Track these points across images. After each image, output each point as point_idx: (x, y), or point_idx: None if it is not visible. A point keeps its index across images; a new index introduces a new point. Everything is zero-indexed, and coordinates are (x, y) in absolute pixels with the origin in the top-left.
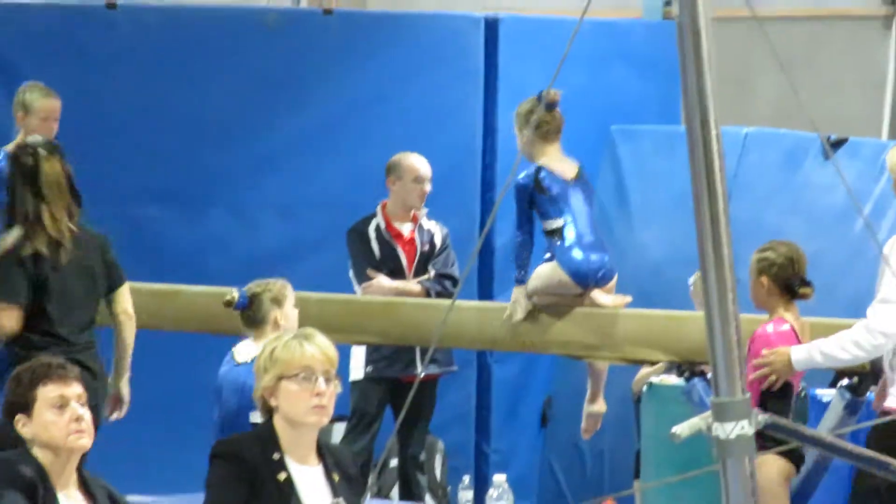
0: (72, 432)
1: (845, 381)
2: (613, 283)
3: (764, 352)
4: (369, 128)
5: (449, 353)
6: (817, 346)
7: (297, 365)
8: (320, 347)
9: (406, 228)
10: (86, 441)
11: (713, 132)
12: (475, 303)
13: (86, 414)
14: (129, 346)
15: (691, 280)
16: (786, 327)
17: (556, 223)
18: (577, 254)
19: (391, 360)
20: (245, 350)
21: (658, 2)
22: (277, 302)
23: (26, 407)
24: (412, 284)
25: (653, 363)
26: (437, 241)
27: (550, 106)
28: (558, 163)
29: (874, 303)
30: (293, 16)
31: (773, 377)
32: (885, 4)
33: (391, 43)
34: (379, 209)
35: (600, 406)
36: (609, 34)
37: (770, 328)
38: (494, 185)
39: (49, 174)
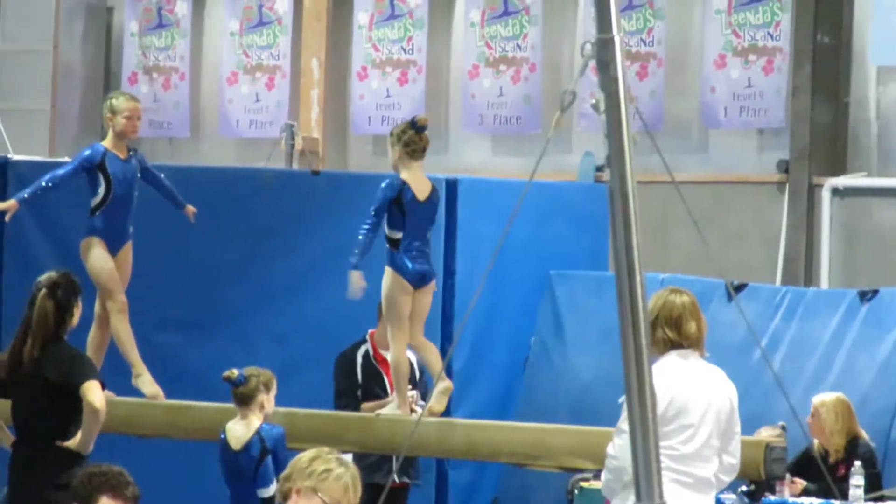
0: None
1: (744, 488)
2: (432, 285)
3: None
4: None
5: (418, 468)
6: None
7: (335, 497)
8: (358, 493)
9: (389, 355)
10: None
11: (637, 278)
12: (435, 419)
13: None
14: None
15: (621, 399)
16: None
17: (397, 234)
18: (408, 262)
19: (375, 467)
20: (237, 433)
21: (591, 167)
22: (266, 387)
23: (86, 501)
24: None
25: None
26: (416, 367)
27: (420, 129)
28: (417, 181)
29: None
30: (287, 176)
31: None
32: (779, 172)
33: (369, 199)
34: (368, 337)
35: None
36: (549, 194)
37: None
38: (453, 318)
39: (37, 310)
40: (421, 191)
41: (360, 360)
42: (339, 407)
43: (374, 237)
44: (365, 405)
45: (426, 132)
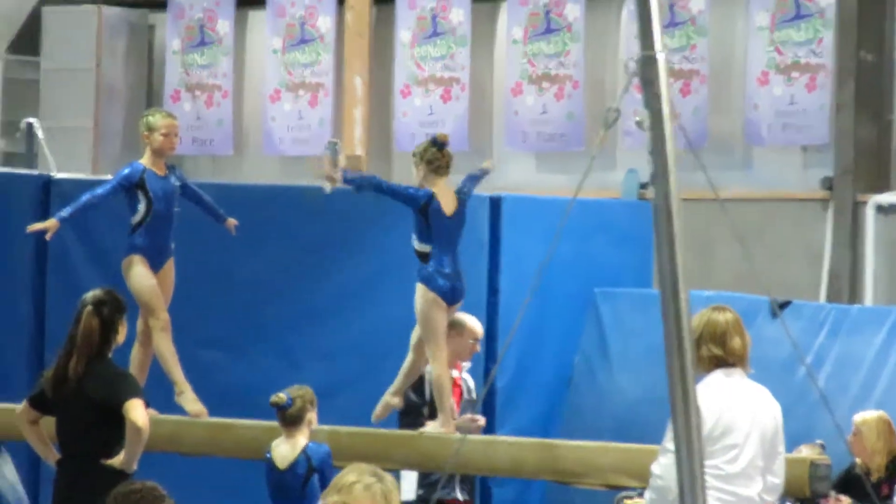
0: None
1: None
2: (460, 304)
3: None
4: (396, 286)
5: (473, 488)
6: None
7: None
8: None
9: (455, 373)
10: None
11: (682, 296)
12: (480, 437)
13: None
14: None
15: None
16: None
17: (425, 247)
18: (439, 279)
19: (437, 485)
20: (283, 452)
21: (634, 185)
22: (312, 404)
23: None
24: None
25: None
26: (473, 391)
27: (441, 145)
28: (444, 196)
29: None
30: (331, 192)
31: None
32: (823, 189)
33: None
34: None
35: (398, 402)
36: (593, 211)
37: None
38: (497, 336)
39: (82, 327)
40: (447, 205)
41: (428, 377)
42: (405, 424)
43: (370, 192)
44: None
45: (448, 148)
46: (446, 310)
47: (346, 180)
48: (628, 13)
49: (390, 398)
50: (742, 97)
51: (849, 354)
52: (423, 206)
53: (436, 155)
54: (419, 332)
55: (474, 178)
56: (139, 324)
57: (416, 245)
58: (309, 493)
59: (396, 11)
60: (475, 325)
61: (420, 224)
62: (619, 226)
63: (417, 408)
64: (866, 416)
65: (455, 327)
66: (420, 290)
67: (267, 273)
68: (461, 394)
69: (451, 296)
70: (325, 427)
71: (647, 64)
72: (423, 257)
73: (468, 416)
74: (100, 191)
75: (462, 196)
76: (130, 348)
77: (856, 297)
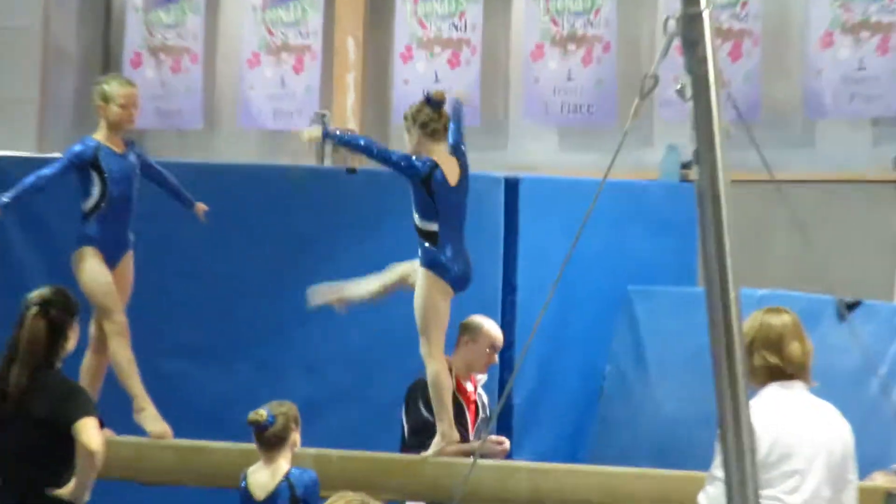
0: None
1: None
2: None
3: None
4: None
5: None
6: None
7: None
8: None
9: (469, 387)
10: None
11: (731, 295)
12: (493, 462)
13: None
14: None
15: None
16: None
17: (431, 226)
18: (450, 264)
19: None
20: (261, 479)
21: (675, 164)
22: (296, 423)
23: None
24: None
25: None
26: (488, 408)
27: (437, 104)
28: (445, 164)
29: None
30: (319, 174)
31: None
32: None
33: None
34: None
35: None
36: (626, 195)
37: None
38: (514, 343)
39: (27, 331)
40: (451, 174)
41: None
42: (413, 445)
43: (361, 152)
44: (447, 449)
45: (444, 108)
46: (451, 297)
47: (325, 135)
48: None
49: (339, 298)
50: (802, 62)
51: None
52: (426, 177)
53: (431, 116)
54: (397, 273)
55: (457, 122)
56: (91, 328)
57: (420, 223)
58: None
59: None
60: (493, 330)
61: (422, 198)
62: (658, 212)
63: (428, 427)
64: None
65: (469, 333)
66: (426, 276)
67: (243, 268)
68: (476, 411)
69: (462, 283)
70: (312, 450)
71: (690, 22)
72: (430, 237)
73: (493, 437)
74: (47, 171)
75: (461, 158)
76: (82, 357)
77: None
